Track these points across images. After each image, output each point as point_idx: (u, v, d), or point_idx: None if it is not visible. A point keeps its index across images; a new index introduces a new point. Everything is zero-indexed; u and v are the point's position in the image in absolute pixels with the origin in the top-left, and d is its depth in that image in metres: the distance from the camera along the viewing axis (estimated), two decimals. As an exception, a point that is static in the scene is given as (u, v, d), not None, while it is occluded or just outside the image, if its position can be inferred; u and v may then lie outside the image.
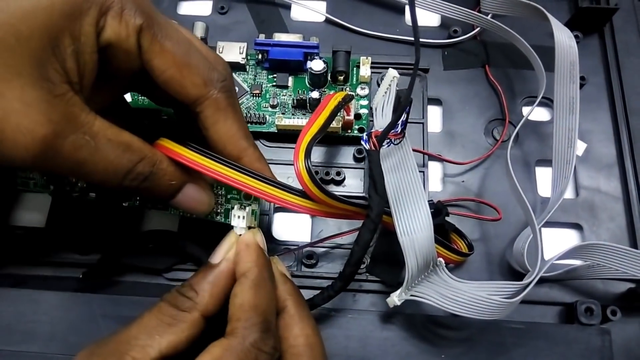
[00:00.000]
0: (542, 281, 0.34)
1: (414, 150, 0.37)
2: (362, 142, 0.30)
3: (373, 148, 0.29)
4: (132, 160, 0.26)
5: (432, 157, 0.38)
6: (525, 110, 0.40)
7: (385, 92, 0.34)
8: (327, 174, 0.37)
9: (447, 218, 0.33)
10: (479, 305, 0.27)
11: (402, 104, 0.29)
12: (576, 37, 0.41)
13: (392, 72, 0.35)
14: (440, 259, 0.29)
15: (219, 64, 0.29)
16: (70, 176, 0.26)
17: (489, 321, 0.31)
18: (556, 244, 0.36)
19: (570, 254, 0.31)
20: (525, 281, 0.30)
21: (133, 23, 0.24)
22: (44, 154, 0.23)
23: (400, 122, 0.30)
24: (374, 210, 0.27)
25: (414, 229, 0.27)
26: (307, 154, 0.27)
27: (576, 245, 0.30)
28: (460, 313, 0.27)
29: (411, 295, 0.28)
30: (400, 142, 0.31)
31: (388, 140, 0.30)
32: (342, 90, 0.38)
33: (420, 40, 0.40)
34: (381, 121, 0.32)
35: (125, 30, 0.24)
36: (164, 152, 0.28)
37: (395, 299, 0.28)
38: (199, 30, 0.38)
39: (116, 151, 0.25)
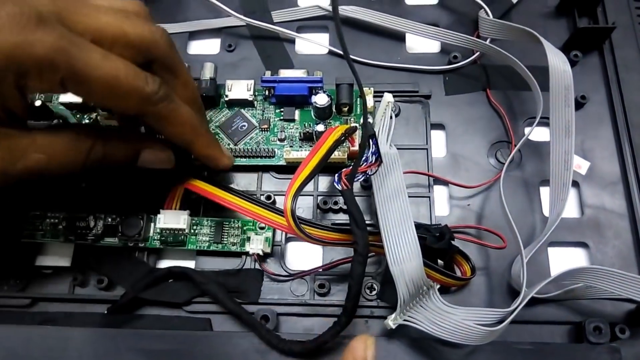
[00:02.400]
0: (548, 301, 0.34)
1: (420, 174, 0.39)
2: (335, 184, 0.32)
3: (345, 188, 0.31)
4: (83, 152, 0.29)
5: (438, 181, 0.39)
6: (528, 131, 0.40)
7: (382, 118, 0.36)
8: (336, 203, 0.38)
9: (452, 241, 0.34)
10: (464, 332, 0.28)
11: (362, 138, 0.32)
12: (575, 56, 0.42)
13: (387, 98, 0.36)
14: (432, 282, 0.30)
15: (156, 44, 0.30)
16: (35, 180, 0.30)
17: (498, 342, 0.32)
18: (563, 263, 0.37)
19: (560, 278, 0.32)
20: (512, 307, 0.31)
21: (53, 79, 0.25)
22: (4, 184, 0.27)
23: (370, 152, 0.32)
24: (359, 244, 0.30)
25: (403, 259, 0.29)
26: (296, 197, 0.30)
27: (565, 272, 0.32)
28: (447, 339, 0.29)
29: (404, 320, 0.30)
30: (376, 171, 0.33)
31: (364, 173, 0.32)
32: (347, 121, 0.39)
33: (422, 67, 0.42)
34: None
35: (48, 85, 0.26)
36: (194, 191, 0.35)
37: (390, 322, 0.30)
38: (208, 70, 0.40)
39: (66, 150, 0.28)
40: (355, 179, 0.32)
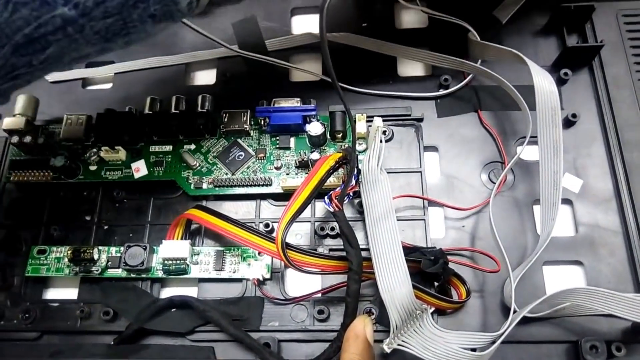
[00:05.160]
0: (544, 320, 0.35)
1: (415, 197, 0.39)
2: (326, 205, 0.34)
3: (337, 209, 0.33)
4: None
5: (432, 203, 0.40)
6: (519, 151, 0.41)
7: (372, 143, 0.37)
8: (332, 229, 0.39)
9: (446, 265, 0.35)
10: (454, 356, 0.29)
11: (351, 165, 0.34)
12: (565, 74, 0.42)
13: (376, 122, 0.37)
14: (425, 306, 0.31)
15: None
16: None
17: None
18: (558, 281, 0.37)
19: (551, 299, 0.33)
20: (502, 330, 0.32)
21: None
22: None
23: (353, 175, 0.35)
24: (353, 262, 0.32)
25: (393, 286, 0.31)
26: (287, 228, 0.32)
27: (555, 293, 0.32)
28: None
29: (398, 345, 0.30)
30: (356, 193, 0.36)
31: (347, 195, 0.35)
32: (341, 147, 0.40)
33: (414, 94, 0.43)
34: (367, 171, 0.36)
35: None
36: (195, 221, 0.36)
37: (385, 347, 0.31)
38: (206, 102, 0.41)
39: None
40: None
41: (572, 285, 0.35)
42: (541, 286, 0.37)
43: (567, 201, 0.39)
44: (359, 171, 0.36)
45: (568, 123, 0.41)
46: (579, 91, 0.42)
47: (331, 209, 0.33)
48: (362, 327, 0.30)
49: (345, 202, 0.35)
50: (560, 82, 0.42)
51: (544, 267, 0.37)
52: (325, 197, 0.34)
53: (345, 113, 0.40)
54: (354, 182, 0.35)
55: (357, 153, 0.39)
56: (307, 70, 0.44)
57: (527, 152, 0.40)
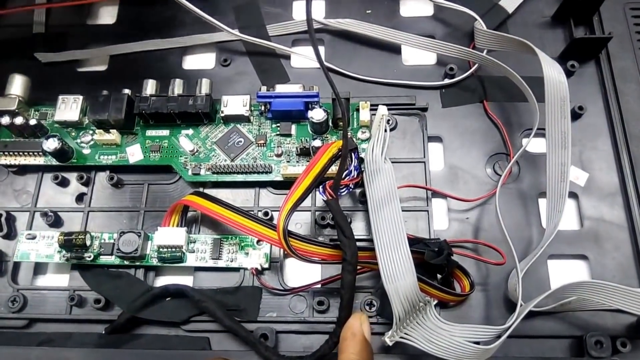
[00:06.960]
0: (548, 314, 0.34)
1: (418, 187, 0.38)
2: (320, 194, 0.33)
3: (330, 198, 0.32)
4: None
5: (436, 194, 0.39)
6: (525, 142, 0.40)
7: (377, 131, 0.36)
8: (333, 218, 0.38)
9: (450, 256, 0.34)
10: (460, 350, 0.28)
11: (343, 153, 0.32)
12: (572, 66, 0.42)
13: (381, 110, 0.36)
14: (429, 298, 0.30)
15: None
16: None
17: (499, 357, 0.32)
18: (563, 275, 0.36)
19: (557, 293, 0.32)
20: (508, 324, 0.31)
21: None
22: None
23: (353, 166, 0.33)
24: (347, 253, 0.31)
25: (397, 276, 0.29)
26: (289, 216, 0.31)
27: (561, 286, 0.31)
28: (443, 357, 0.29)
29: (400, 337, 0.30)
30: (356, 185, 0.34)
31: (347, 187, 0.34)
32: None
33: (419, 83, 0.42)
34: (370, 160, 0.35)
35: None
36: (192, 206, 0.35)
37: (387, 340, 0.30)
38: (205, 86, 0.40)
39: None
40: (340, 193, 0.33)
41: (577, 279, 0.34)
42: (546, 280, 0.36)
43: (572, 195, 0.38)
44: (361, 160, 0.35)
45: (574, 115, 0.40)
46: (586, 84, 0.42)
47: (324, 198, 0.32)
48: (359, 324, 0.29)
49: (345, 194, 0.34)
50: (567, 74, 0.41)
51: (548, 261, 0.36)
52: (320, 187, 0.33)
53: (348, 100, 0.39)
54: (355, 173, 0.34)
55: (356, 142, 0.38)
56: (309, 56, 0.43)
57: (533, 145, 0.39)
